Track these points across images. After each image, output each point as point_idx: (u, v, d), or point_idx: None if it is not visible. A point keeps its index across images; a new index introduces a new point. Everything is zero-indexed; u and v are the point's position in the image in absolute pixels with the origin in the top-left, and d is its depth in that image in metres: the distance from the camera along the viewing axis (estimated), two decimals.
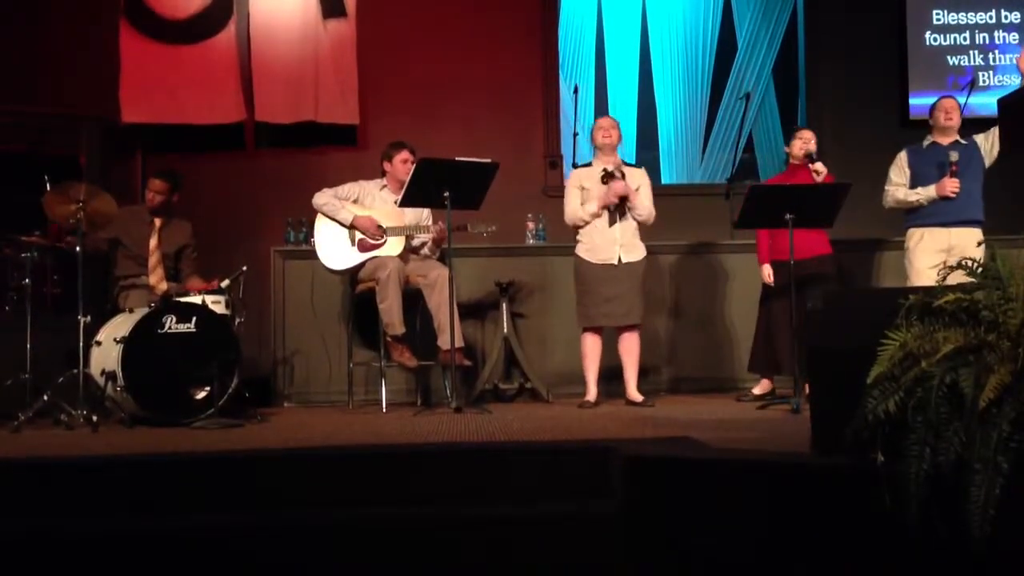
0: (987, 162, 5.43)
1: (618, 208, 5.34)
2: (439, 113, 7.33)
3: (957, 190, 5.28)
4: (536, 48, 7.59)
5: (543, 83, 7.55)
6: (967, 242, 5.18)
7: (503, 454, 3.50)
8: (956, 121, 5.45)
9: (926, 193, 5.34)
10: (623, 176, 5.35)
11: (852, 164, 6.51)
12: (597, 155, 5.51)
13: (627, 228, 5.38)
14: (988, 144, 5.43)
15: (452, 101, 7.39)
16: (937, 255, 5.18)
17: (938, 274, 2.85)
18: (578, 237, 5.44)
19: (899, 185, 5.47)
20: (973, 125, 5.66)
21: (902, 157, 5.51)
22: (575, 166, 7.05)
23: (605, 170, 5.36)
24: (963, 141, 5.44)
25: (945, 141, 5.44)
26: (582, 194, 5.41)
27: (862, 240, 6.27)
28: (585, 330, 5.44)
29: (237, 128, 7.23)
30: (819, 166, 5.32)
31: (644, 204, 5.42)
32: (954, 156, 5.30)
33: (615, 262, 5.33)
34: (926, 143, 5.50)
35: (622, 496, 3.04)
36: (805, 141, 5.50)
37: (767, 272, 5.53)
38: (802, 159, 5.44)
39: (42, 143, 6.59)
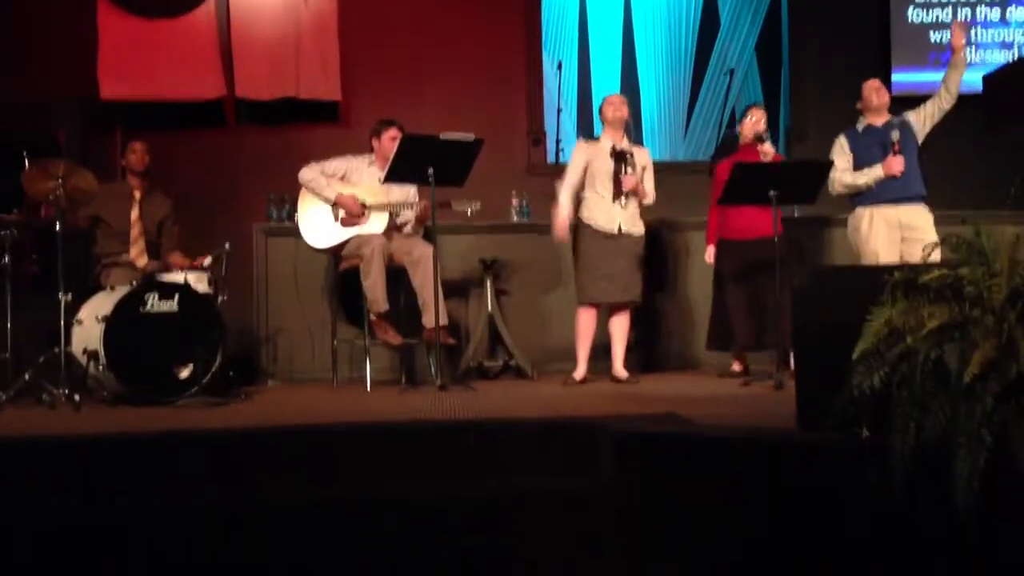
0: (920, 138, 5.43)
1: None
2: (422, 89, 7.28)
3: (903, 168, 5.30)
4: (519, 24, 7.55)
5: (526, 59, 7.51)
6: (916, 217, 5.25)
7: (490, 432, 3.50)
8: (886, 99, 5.45)
9: (873, 173, 5.30)
10: (632, 156, 5.36)
11: (835, 140, 6.49)
12: (605, 130, 5.49)
13: (628, 205, 5.38)
14: (920, 120, 5.44)
15: (435, 77, 7.35)
16: (890, 232, 5.24)
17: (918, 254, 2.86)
18: (580, 211, 5.42)
19: (844, 170, 5.39)
20: (960, 102, 5.59)
21: (842, 141, 5.46)
22: (558, 143, 7.05)
23: (615, 148, 5.36)
24: (895, 120, 5.43)
25: (879, 121, 5.43)
26: (584, 174, 5.39)
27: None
28: (581, 306, 5.44)
29: (217, 104, 7.17)
30: (767, 147, 5.32)
31: (648, 189, 5.45)
32: (895, 135, 5.30)
33: (615, 231, 5.34)
34: (861, 126, 5.47)
35: (610, 472, 3.05)
36: (756, 121, 5.49)
37: (710, 253, 5.60)
38: (752, 139, 5.44)
39: (20, 120, 6.50)
